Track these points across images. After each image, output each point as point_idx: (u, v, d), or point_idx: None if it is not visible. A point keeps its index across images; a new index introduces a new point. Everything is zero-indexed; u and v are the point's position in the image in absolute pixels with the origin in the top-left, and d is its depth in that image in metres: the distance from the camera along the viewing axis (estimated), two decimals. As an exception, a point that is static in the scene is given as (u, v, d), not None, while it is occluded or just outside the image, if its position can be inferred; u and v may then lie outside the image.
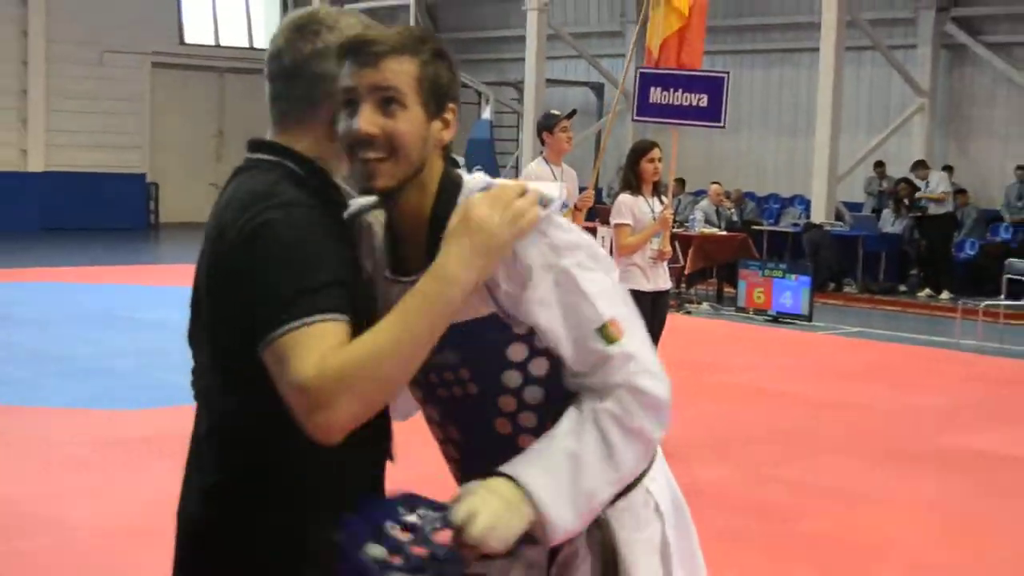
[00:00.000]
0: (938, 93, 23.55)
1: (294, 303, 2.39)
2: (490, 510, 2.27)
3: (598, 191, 12.71)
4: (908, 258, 21.46)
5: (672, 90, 11.96)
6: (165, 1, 29.53)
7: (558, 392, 2.47)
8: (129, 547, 6.67)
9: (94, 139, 27.31)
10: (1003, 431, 10.56)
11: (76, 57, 26.75)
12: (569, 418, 2.44)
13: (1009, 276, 18.78)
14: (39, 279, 18.10)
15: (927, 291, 20.61)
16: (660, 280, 9.41)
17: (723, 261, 19.59)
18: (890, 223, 21.49)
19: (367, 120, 2.30)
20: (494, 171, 24.28)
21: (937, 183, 21.15)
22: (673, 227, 10.06)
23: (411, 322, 2.39)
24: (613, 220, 9.36)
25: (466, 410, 2.53)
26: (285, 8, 31.98)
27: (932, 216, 20.93)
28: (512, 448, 2.45)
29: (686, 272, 18.78)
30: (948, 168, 21.97)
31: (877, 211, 22.13)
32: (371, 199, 2.52)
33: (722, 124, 12.05)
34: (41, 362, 11.79)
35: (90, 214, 26.38)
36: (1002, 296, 18.35)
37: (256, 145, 2.71)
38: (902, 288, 21.17)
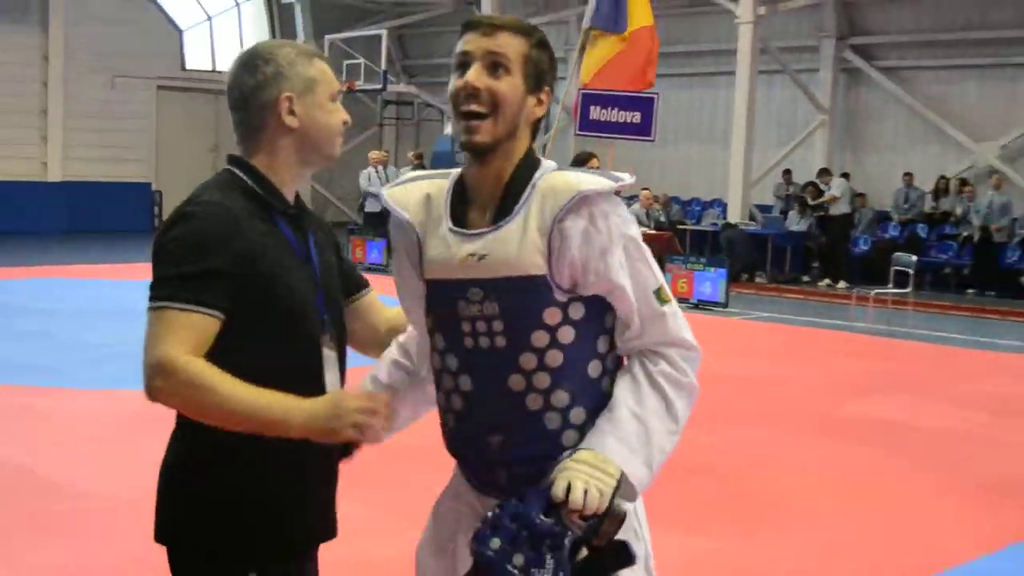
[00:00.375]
0: (837, 111, 23.84)
1: (167, 284, 2.54)
2: (582, 477, 2.26)
3: None
4: (811, 253, 21.77)
5: (610, 108, 12.03)
6: (169, 33, 29.32)
7: (575, 360, 2.42)
8: (140, 513, 6.56)
9: (106, 153, 27.08)
10: (890, 401, 10.67)
11: (90, 81, 26.51)
12: (626, 387, 2.44)
13: (896, 268, 18.82)
14: (65, 275, 17.86)
15: (827, 281, 20.82)
16: None
17: (656, 256, 19.61)
18: (795, 223, 21.67)
19: (475, 75, 2.35)
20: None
21: (837, 187, 21.32)
22: None
23: (252, 403, 2.50)
24: None
25: (487, 362, 2.43)
26: (274, 37, 31.94)
27: (832, 216, 21.17)
28: (518, 406, 2.41)
29: None
30: (846, 175, 22.16)
31: (784, 212, 22.37)
32: (417, 173, 2.64)
33: (652, 138, 12.12)
34: (72, 350, 11.59)
35: (103, 218, 26.17)
36: (890, 285, 18.42)
37: (228, 158, 2.83)
38: (805, 279, 21.50)
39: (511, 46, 2.38)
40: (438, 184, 2.52)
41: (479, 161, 2.43)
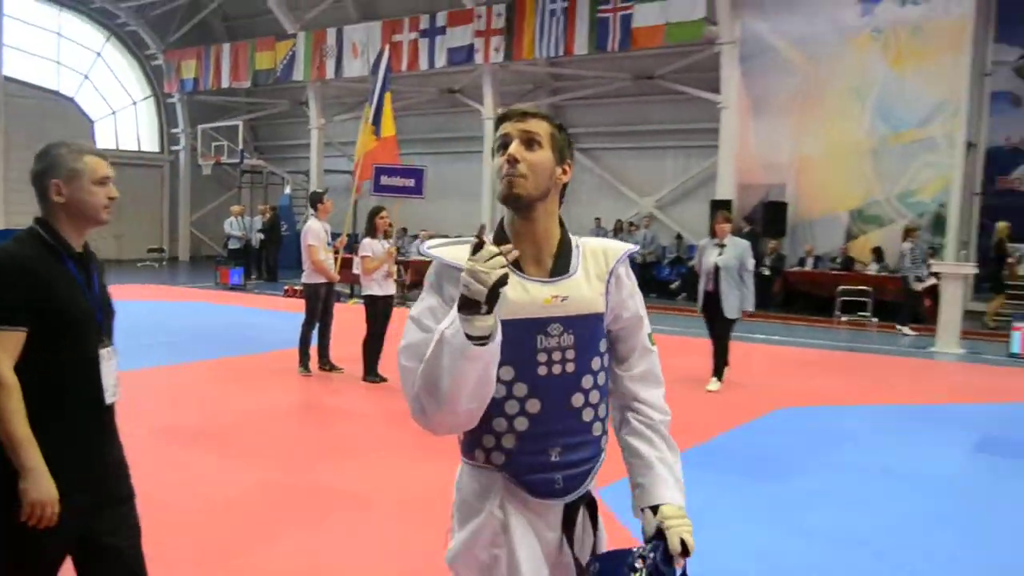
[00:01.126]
0: None
1: None
2: (684, 530, 2.15)
3: (351, 236, 13.51)
4: None
5: (395, 176, 12.96)
6: (84, 122, 28.86)
7: (606, 377, 2.29)
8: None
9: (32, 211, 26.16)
10: None
11: (25, 156, 25.56)
12: (651, 443, 2.29)
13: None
14: None
15: None
16: (389, 289, 9.61)
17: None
18: None
19: (516, 149, 2.16)
20: (292, 225, 24.99)
21: None
22: (397, 257, 10.08)
23: (18, 435, 2.53)
24: (361, 254, 9.46)
25: (556, 386, 2.17)
26: (162, 127, 31.73)
27: None
28: (577, 419, 2.19)
29: (407, 282, 19.29)
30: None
31: None
32: (447, 240, 2.27)
33: (423, 196, 13.05)
34: None
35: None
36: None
37: (34, 219, 2.78)
38: None
39: (541, 127, 2.21)
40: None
41: (522, 216, 2.21)
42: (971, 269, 14.72)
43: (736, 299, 9.39)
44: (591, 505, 2.28)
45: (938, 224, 17.82)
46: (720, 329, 9.67)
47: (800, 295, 18.27)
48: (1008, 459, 7.22)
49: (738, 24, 19.34)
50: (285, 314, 14.75)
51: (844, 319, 16.71)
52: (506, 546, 2.16)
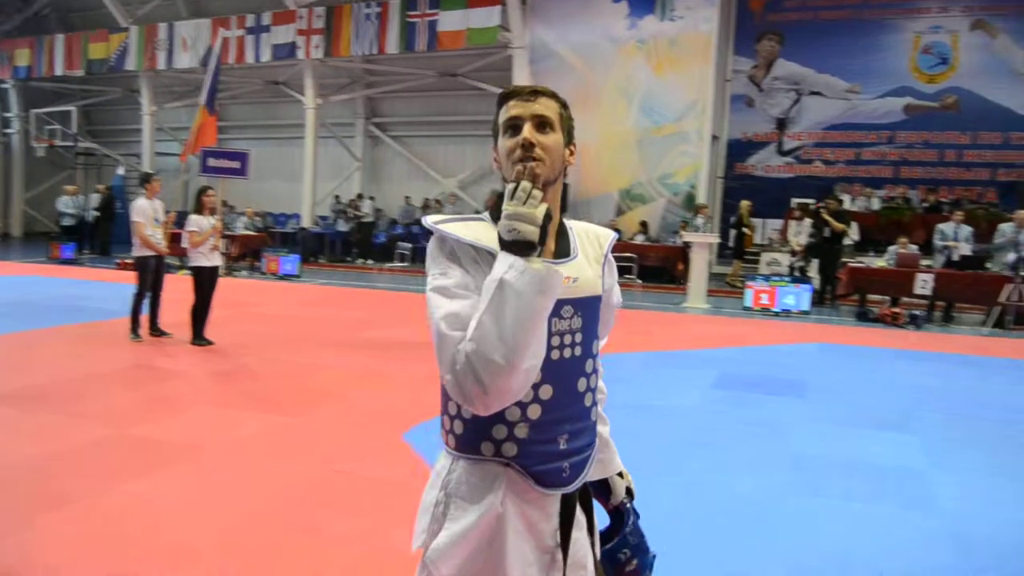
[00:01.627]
0: (367, 160, 24.40)
1: None
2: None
3: (180, 213, 12.96)
4: (351, 244, 21.84)
5: (221, 159, 12.47)
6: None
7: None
8: None
9: None
10: (391, 330, 10.68)
11: None
12: (604, 421, 2.16)
13: (399, 251, 20.37)
14: None
15: (361, 260, 21.08)
16: (215, 260, 9.24)
17: (255, 248, 19.55)
18: (342, 226, 21.90)
19: (530, 133, 1.83)
20: (125, 204, 23.56)
21: (367, 206, 21.91)
22: (223, 231, 9.96)
23: None
24: (188, 229, 9.12)
25: (565, 370, 1.84)
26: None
27: (363, 222, 21.57)
28: (581, 404, 1.89)
29: (234, 254, 18.60)
30: (372, 198, 22.68)
31: (335, 220, 22.41)
32: (448, 216, 1.87)
33: (247, 177, 12.63)
34: None
35: None
36: (396, 261, 19.90)
37: None
38: (348, 259, 21.43)
39: (551, 108, 1.88)
40: (482, 224, 1.84)
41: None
42: (715, 239, 15.53)
43: None
44: (584, 492, 1.96)
45: (689, 202, 18.73)
46: None
47: (579, 262, 18.76)
48: (741, 392, 7.62)
49: (527, 32, 19.84)
50: (117, 285, 13.88)
51: (615, 282, 17.30)
52: (500, 541, 1.78)
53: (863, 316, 13.49)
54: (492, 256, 1.73)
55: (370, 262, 20.89)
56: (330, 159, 24.29)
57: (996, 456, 5.90)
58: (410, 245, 20.91)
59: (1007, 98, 18.24)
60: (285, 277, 17.57)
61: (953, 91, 18.66)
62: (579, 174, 20.17)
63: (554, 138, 1.86)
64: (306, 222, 22.33)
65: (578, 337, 1.86)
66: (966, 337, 12.18)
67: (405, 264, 20.31)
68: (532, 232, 1.65)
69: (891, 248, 14.50)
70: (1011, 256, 13.10)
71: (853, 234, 15.96)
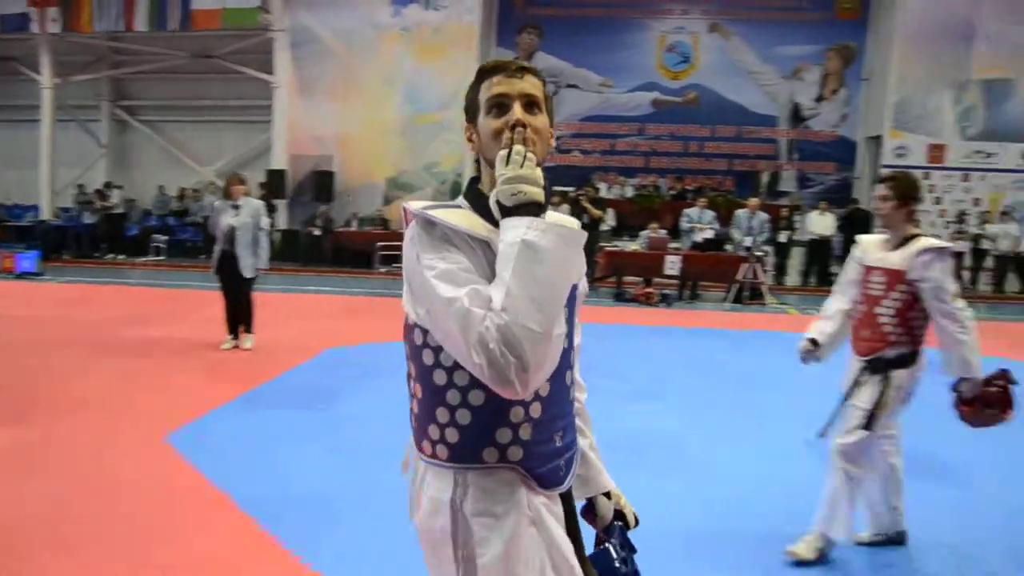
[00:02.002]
0: (113, 146, 22.86)
1: None
2: (631, 506, 2.06)
3: None
4: (99, 237, 20.17)
5: None
6: None
7: None
8: None
9: None
10: (154, 327, 10.26)
11: None
12: (583, 433, 2.01)
13: (154, 244, 19.21)
14: None
15: (111, 255, 19.60)
16: None
17: None
18: (88, 218, 20.17)
19: (521, 113, 1.70)
20: None
21: (116, 196, 20.57)
22: None
23: None
24: None
25: (559, 364, 1.67)
26: None
27: (112, 214, 20.11)
28: (568, 399, 1.79)
29: None
30: (120, 187, 21.31)
31: (80, 212, 20.69)
32: (431, 203, 1.72)
33: None
34: None
35: None
36: (151, 255, 18.79)
37: None
38: (96, 254, 19.88)
39: (537, 87, 1.75)
40: (460, 211, 1.71)
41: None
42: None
43: (251, 258, 8.61)
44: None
45: (456, 190, 19.05)
46: (239, 287, 8.76)
47: (347, 251, 18.70)
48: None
49: (288, 15, 19.54)
50: None
51: (383, 270, 17.53)
52: (546, 540, 1.68)
53: (620, 297, 14.35)
54: (484, 244, 1.63)
55: (122, 257, 19.70)
56: (71, 145, 22.49)
57: (735, 419, 6.48)
58: (166, 238, 19.81)
59: (740, 95, 20.04)
60: (24, 275, 16.17)
61: (694, 88, 20.25)
62: (343, 162, 19.95)
63: (542, 120, 1.74)
64: (46, 214, 20.71)
65: (567, 329, 1.74)
66: (710, 312, 13.24)
67: (161, 258, 19.24)
68: (537, 193, 1.58)
69: (643, 233, 15.53)
70: (746, 239, 14.41)
71: (609, 220, 16.92)
